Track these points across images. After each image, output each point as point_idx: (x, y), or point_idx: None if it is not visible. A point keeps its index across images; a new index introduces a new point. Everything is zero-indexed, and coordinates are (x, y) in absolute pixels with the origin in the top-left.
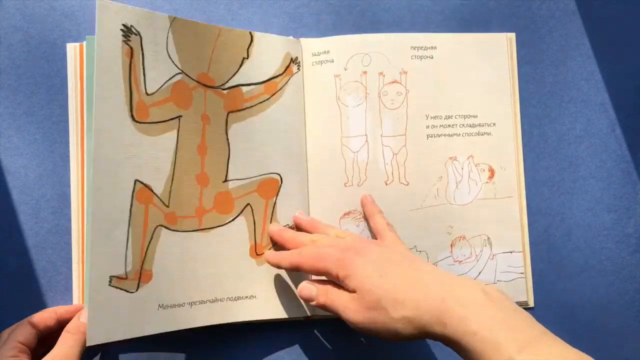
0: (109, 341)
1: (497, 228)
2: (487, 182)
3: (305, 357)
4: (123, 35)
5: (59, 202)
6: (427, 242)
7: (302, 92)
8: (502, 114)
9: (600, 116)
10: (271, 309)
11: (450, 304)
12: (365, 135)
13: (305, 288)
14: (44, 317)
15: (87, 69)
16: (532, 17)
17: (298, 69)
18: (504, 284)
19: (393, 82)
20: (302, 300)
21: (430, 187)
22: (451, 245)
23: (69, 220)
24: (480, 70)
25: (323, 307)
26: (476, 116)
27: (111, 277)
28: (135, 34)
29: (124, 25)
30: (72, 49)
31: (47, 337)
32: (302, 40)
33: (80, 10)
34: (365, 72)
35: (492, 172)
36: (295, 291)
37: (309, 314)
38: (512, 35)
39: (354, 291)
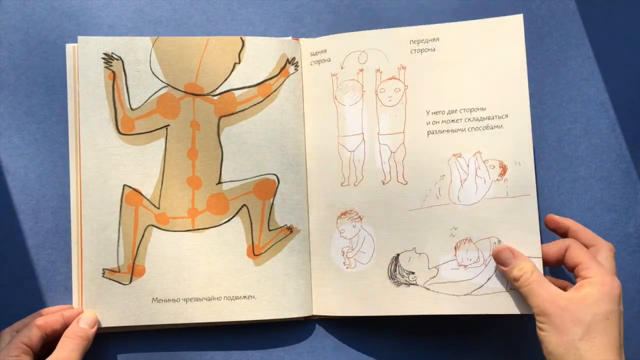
0: (103, 325)
1: (509, 230)
2: (497, 180)
3: (305, 357)
4: (105, 62)
5: (59, 202)
6: (428, 244)
7: (301, 93)
8: (516, 104)
9: (600, 116)
10: (270, 309)
11: None
12: (362, 134)
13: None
14: (50, 320)
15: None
16: (532, 17)
17: (295, 69)
18: (515, 292)
19: (391, 79)
20: (302, 300)
21: (431, 187)
22: (455, 248)
23: (69, 220)
24: (491, 56)
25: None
26: (484, 109)
27: (104, 270)
28: (117, 59)
29: (104, 53)
30: (71, 49)
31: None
32: (302, 40)
33: (80, 10)
34: (361, 70)
35: (503, 169)
36: (294, 292)
37: (308, 314)
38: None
39: None
